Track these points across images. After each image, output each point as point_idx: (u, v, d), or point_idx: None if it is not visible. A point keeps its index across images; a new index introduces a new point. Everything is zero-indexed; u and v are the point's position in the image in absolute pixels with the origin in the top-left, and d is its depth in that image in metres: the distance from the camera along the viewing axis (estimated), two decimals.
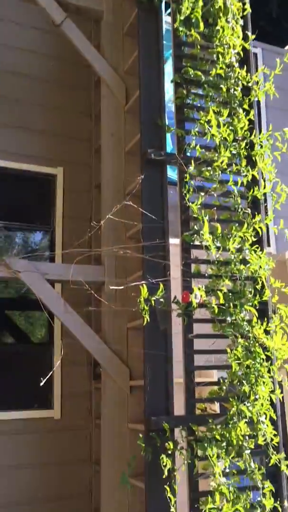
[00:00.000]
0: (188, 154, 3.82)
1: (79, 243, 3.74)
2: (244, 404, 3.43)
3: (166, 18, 4.45)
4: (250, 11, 4.27)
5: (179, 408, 3.51)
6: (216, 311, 3.51)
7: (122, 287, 3.69)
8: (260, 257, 3.71)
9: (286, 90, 6.08)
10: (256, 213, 3.89)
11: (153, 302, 3.36)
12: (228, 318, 3.57)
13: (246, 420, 3.41)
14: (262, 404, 3.49)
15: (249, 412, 3.41)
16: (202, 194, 3.73)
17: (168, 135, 4.30)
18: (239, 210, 3.89)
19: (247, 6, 4.25)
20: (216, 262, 3.66)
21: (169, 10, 4.34)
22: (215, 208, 3.81)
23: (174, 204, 3.93)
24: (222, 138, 3.79)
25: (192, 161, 3.68)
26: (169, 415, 3.42)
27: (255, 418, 3.46)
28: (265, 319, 3.69)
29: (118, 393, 3.96)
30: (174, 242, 3.83)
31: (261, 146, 3.95)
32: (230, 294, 3.64)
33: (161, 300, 3.41)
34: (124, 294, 3.90)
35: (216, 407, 4.13)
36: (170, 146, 4.49)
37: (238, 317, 3.60)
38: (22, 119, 5.06)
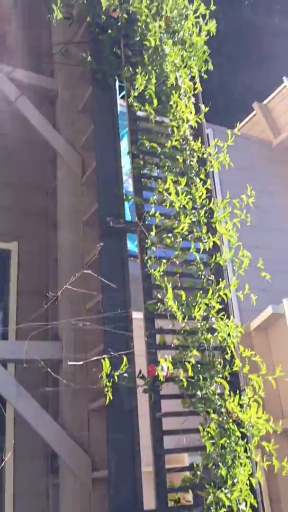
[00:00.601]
0: (148, 222, 3.75)
1: (34, 316, 3.46)
2: (222, 491, 3.07)
3: (120, 101, 4.59)
4: (201, 89, 4.46)
5: (149, 500, 3.11)
6: (185, 384, 3.24)
7: (81, 363, 3.39)
8: (228, 325, 3.54)
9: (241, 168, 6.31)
10: (220, 279, 3.78)
11: (116, 377, 3.07)
12: (199, 393, 3.30)
13: (225, 509, 3.03)
14: (241, 490, 3.14)
15: (228, 500, 3.04)
16: (164, 261, 3.62)
17: (127, 206, 4.26)
18: (203, 277, 3.77)
19: (198, 85, 4.44)
20: (182, 331, 3.46)
21: (123, 93, 4.48)
22: (178, 275, 3.69)
23: (134, 277, 3.78)
24: (181, 206, 3.76)
25: (153, 228, 3.59)
26: (138, 510, 3.00)
27: (234, 507, 3.08)
28: (237, 391, 3.44)
29: (79, 489, 3.50)
30: (136, 315, 3.63)
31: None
32: (198, 365, 3.40)
33: (125, 375, 3.12)
34: (84, 371, 3.58)
35: (190, 496, 3.71)
36: (129, 216, 4.43)
37: (209, 391, 3.33)
38: None
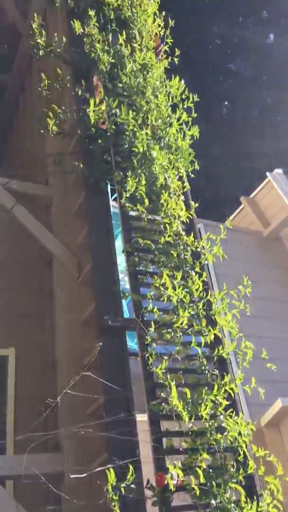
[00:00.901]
0: (146, 318, 3.70)
1: (33, 427, 3.28)
2: None
3: (113, 203, 4.77)
4: (189, 187, 4.66)
5: None
6: (198, 493, 2.99)
7: (85, 475, 3.15)
8: (237, 423, 3.36)
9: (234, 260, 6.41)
10: (224, 373, 3.65)
11: (123, 490, 2.84)
12: (213, 501, 3.04)
13: None
14: None
15: None
16: (166, 358, 3.52)
17: (124, 303, 4.24)
18: (206, 372, 3.65)
19: (186, 184, 4.65)
20: (190, 433, 3.27)
21: (115, 195, 4.67)
22: (181, 372, 3.57)
23: (136, 376, 3.66)
24: (179, 300, 3.74)
25: (152, 323, 3.54)
26: None
27: None
28: (255, 497, 3.17)
29: None
30: (140, 418, 3.46)
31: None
32: (210, 470, 3.16)
33: (132, 486, 2.89)
34: (88, 484, 3.31)
35: None
36: (126, 313, 4.39)
37: (223, 499, 3.07)
38: None
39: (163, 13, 5.39)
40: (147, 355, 3.42)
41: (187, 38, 14.81)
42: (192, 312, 3.82)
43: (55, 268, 4.55)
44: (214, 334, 3.81)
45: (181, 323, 3.64)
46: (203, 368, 3.67)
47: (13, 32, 7.49)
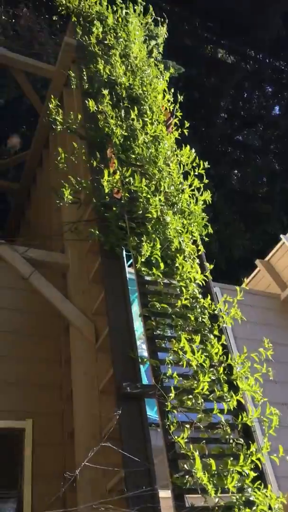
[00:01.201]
0: (166, 383, 3.60)
1: (50, 503, 3.11)
2: None
3: (128, 269, 4.81)
4: (204, 251, 4.69)
5: None
6: None
7: None
8: (267, 496, 3.15)
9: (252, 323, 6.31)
10: (250, 442, 3.47)
11: None
12: None
13: None
14: None
15: None
16: (188, 426, 3.37)
17: (142, 369, 4.14)
18: (231, 441, 3.48)
19: (200, 247, 4.69)
20: (216, 508, 3.06)
21: (131, 261, 4.71)
22: (204, 441, 3.40)
23: (156, 447, 3.51)
24: (199, 364, 3.65)
25: (172, 389, 3.43)
26: None
27: None
28: None
29: None
30: (163, 494, 3.26)
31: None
32: None
33: None
34: None
35: None
36: (145, 379, 4.28)
37: None
38: None
39: (172, 89, 5.72)
40: (168, 423, 3.29)
41: (196, 113, 15.59)
42: (212, 377, 3.71)
43: (72, 334, 4.52)
44: (237, 400, 3.68)
45: (202, 389, 3.52)
46: (227, 437, 3.50)
47: (32, 114, 8.00)
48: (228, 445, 3.46)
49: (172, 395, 3.41)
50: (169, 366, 3.68)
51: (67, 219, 4.98)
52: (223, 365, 3.84)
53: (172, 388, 3.46)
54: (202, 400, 3.58)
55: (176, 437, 3.23)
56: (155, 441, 3.59)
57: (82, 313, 4.53)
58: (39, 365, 5.08)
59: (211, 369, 3.76)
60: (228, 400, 3.66)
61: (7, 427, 4.58)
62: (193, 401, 3.55)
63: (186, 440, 3.21)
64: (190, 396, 3.55)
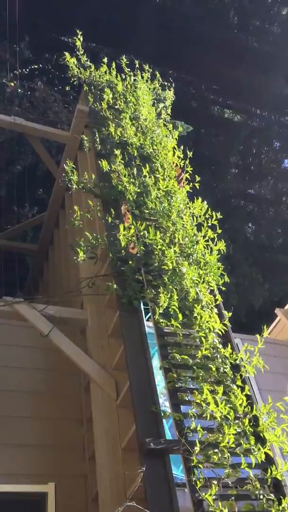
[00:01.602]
0: (190, 438, 3.49)
1: None
2: None
3: (147, 323, 4.80)
4: (222, 300, 4.68)
5: None
6: None
7: None
8: None
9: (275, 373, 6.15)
10: (281, 497, 3.30)
11: None
12: None
13: None
14: None
15: None
16: (215, 482, 3.23)
17: (165, 424, 4.03)
18: (261, 497, 3.31)
19: (218, 296, 4.68)
20: None
21: (149, 315, 4.72)
22: (233, 498, 3.25)
23: (184, 508, 3.35)
24: (223, 416, 3.55)
25: (197, 443, 3.32)
26: None
27: None
28: None
29: None
30: None
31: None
32: None
33: None
34: None
35: None
36: (168, 434, 4.15)
37: None
38: (10, 435, 4.74)
39: (181, 147, 5.94)
40: (194, 478, 3.16)
41: (206, 169, 16.02)
42: (238, 429, 3.60)
43: (93, 391, 4.45)
44: (265, 452, 3.54)
45: (228, 442, 3.41)
46: (257, 492, 3.34)
47: (48, 179, 8.33)
48: (258, 502, 3.29)
49: (197, 448, 3.30)
50: (193, 419, 3.58)
51: (84, 275, 5.06)
52: (248, 416, 3.73)
53: (197, 441, 3.35)
54: (229, 454, 3.45)
55: (203, 494, 3.10)
56: (182, 503, 3.44)
57: (102, 369, 4.49)
58: (59, 425, 4.98)
59: (236, 421, 3.65)
60: (256, 453, 3.52)
61: (28, 491, 4.43)
62: (219, 455, 3.42)
63: (214, 497, 3.07)
64: (216, 450, 3.43)
